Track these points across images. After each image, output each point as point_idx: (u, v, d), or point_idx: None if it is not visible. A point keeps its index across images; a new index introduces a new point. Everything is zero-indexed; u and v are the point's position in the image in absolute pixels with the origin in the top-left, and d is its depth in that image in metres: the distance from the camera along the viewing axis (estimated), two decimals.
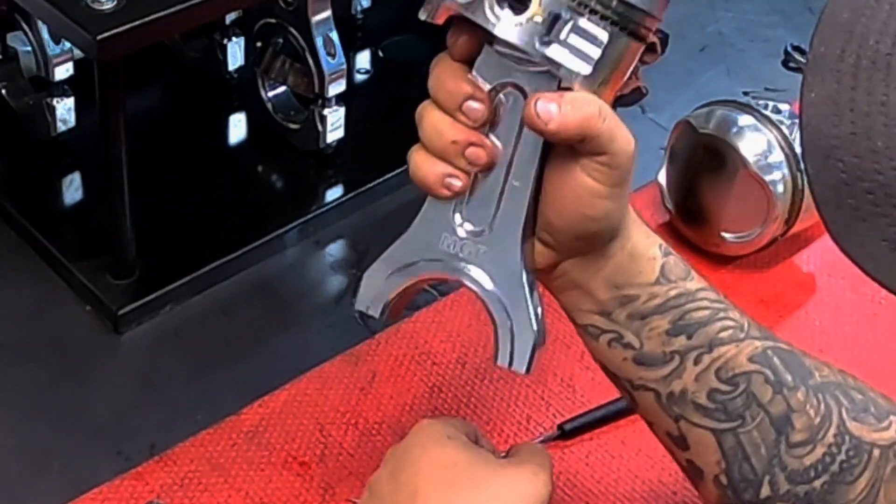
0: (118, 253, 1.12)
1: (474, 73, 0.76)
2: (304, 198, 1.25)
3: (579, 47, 0.73)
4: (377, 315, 0.80)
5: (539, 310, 0.78)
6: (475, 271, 0.78)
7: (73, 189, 1.25)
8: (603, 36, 0.72)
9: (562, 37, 0.72)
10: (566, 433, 1.03)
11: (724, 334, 0.79)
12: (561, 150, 0.75)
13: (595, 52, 0.73)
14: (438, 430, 0.82)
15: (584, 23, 0.72)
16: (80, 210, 1.23)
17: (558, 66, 0.73)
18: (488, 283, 0.78)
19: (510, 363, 0.77)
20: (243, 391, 1.05)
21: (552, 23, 0.72)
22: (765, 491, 0.79)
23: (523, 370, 0.77)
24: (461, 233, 0.78)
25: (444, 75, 0.76)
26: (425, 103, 0.77)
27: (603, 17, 0.72)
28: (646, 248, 0.80)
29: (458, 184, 0.76)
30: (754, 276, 1.19)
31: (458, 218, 0.78)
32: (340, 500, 0.98)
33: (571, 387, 0.90)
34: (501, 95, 0.76)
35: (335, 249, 1.22)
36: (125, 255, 1.12)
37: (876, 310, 1.17)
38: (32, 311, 1.12)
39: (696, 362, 0.78)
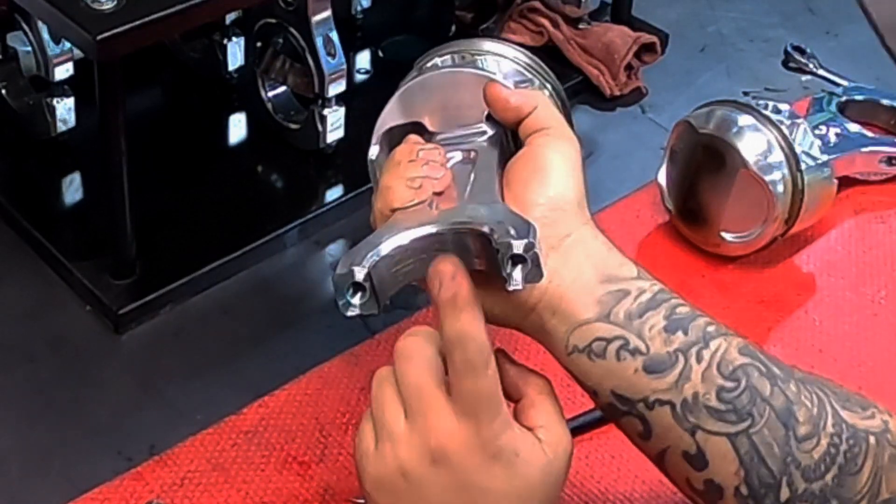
0: (118, 253, 1.12)
1: None
2: (304, 198, 1.25)
3: None
4: (360, 278, 0.79)
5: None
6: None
7: (73, 189, 1.25)
8: None
9: None
10: None
11: (710, 329, 0.80)
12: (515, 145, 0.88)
13: None
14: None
15: None
16: (80, 210, 1.22)
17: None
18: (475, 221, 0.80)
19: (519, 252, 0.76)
20: (243, 391, 1.05)
21: None
22: (784, 493, 0.79)
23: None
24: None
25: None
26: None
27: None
28: (611, 242, 0.83)
29: (428, 185, 0.83)
30: (754, 276, 1.19)
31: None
32: (340, 500, 0.98)
33: (571, 387, 0.89)
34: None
35: (335, 249, 1.22)
36: (125, 255, 1.12)
37: (876, 310, 1.17)
38: (32, 311, 1.12)
39: (698, 359, 0.79)
